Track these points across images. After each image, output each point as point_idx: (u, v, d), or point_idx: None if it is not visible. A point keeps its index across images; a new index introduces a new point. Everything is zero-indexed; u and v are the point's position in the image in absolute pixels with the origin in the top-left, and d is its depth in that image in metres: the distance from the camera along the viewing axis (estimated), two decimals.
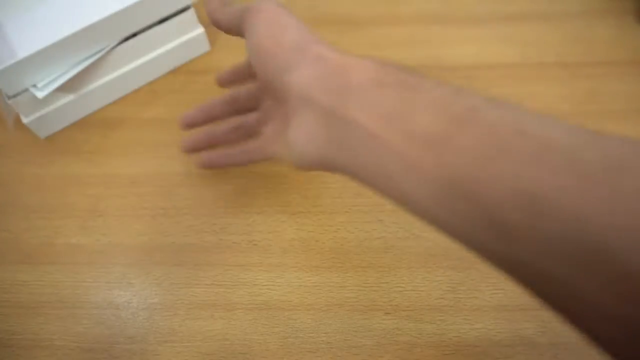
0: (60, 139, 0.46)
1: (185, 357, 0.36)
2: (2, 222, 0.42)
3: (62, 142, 0.46)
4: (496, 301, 0.37)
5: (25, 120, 0.43)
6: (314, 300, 0.38)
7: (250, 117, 0.35)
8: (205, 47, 0.49)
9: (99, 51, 0.43)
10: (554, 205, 0.16)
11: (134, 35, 0.44)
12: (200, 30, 0.48)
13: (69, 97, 0.45)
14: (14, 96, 0.41)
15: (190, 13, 0.46)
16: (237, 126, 0.35)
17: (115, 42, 0.44)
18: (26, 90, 0.41)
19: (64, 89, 0.43)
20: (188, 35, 0.47)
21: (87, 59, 0.43)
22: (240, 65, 0.37)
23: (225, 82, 0.38)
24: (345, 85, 0.22)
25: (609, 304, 0.15)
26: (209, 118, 0.37)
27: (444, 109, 0.20)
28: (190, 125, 0.38)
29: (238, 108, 0.36)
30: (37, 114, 0.44)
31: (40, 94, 0.41)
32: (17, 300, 0.39)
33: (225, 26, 0.29)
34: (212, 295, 0.38)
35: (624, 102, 0.45)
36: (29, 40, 0.42)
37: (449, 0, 0.51)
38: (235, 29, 0.28)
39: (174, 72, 0.49)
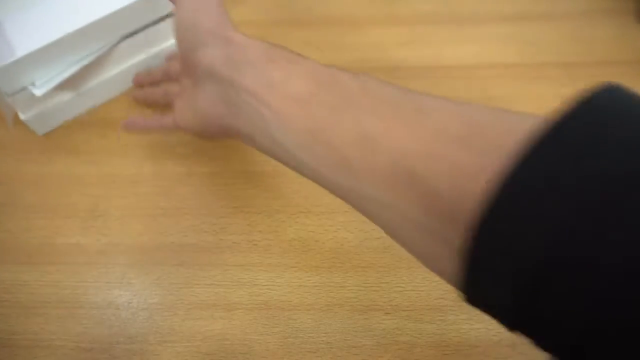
0: (59, 137, 0.46)
1: (185, 357, 0.36)
2: (2, 222, 0.42)
3: (61, 140, 0.46)
4: None
5: (23, 117, 0.43)
6: (314, 300, 0.38)
7: (174, 87, 0.39)
8: None
9: (98, 50, 0.43)
10: (381, 143, 0.21)
11: (133, 34, 0.44)
12: None
13: (67, 95, 0.45)
14: (13, 94, 0.41)
15: None
16: (165, 92, 0.41)
17: (114, 41, 0.44)
18: (25, 88, 0.41)
19: (62, 87, 0.43)
20: None
21: (85, 57, 0.43)
22: None
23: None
24: (242, 61, 0.28)
25: (423, 219, 0.20)
26: (152, 81, 0.44)
27: (312, 76, 0.25)
28: (138, 83, 0.45)
29: (170, 77, 0.42)
30: (35, 111, 0.44)
31: (38, 92, 0.41)
32: (17, 300, 0.39)
33: None
34: (212, 295, 0.38)
35: None
36: (27, 38, 0.42)
37: (449, 0, 0.51)
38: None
39: None
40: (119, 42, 0.44)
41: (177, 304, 0.38)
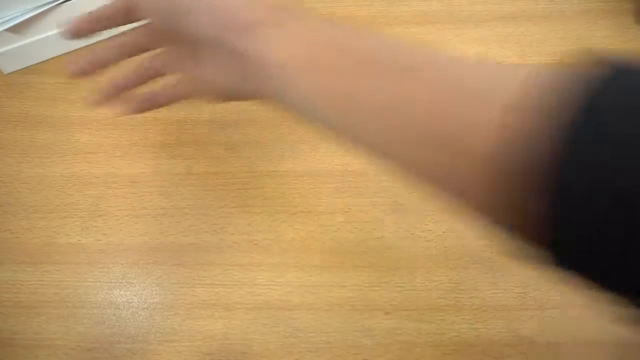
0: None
1: (186, 356, 0.36)
2: (3, 222, 0.42)
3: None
4: (496, 301, 0.37)
5: None
6: (314, 300, 0.38)
7: (156, 60, 0.34)
8: None
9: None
10: (358, 100, 0.25)
11: None
12: None
13: (30, 39, 0.46)
14: None
15: None
16: (140, 72, 0.34)
17: None
18: None
19: (27, 29, 0.44)
20: None
21: (44, 5, 0.43)
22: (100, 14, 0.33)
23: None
24: (243, 25, 0.28)
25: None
26: (101, 65, 0.34)
27: (318, 39, 0.28)
28: (80, 73, 0.34)
29: (131, 53, 0.34)
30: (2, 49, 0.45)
31: None
32: (18, 300, 0.39)
33: None
34: (212, 295, 0.38)
35: None
36: None
37: (449, 0, 0.52)
38: None
39: None
40: None
41: (178, 303, 0.38)
